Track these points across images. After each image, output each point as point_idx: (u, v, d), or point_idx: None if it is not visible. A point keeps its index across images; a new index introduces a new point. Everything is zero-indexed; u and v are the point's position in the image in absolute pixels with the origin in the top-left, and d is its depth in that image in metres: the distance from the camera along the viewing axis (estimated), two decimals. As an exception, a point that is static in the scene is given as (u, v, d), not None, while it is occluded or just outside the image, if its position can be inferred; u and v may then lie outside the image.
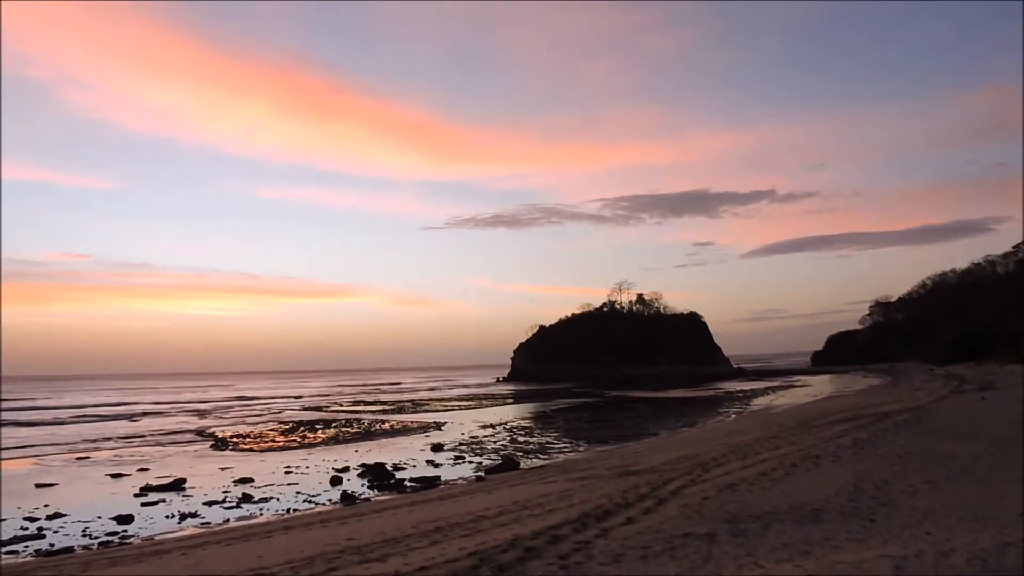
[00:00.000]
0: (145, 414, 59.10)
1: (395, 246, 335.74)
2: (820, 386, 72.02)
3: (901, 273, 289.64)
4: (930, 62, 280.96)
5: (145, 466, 26.27)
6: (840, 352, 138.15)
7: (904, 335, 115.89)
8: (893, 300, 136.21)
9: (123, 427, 46.47)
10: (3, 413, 61.69)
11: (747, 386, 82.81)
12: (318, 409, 62.45)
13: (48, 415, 59.40)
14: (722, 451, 18.31)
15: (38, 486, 22.09)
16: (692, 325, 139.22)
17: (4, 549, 13.96)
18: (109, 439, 38.08)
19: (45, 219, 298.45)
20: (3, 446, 35.32)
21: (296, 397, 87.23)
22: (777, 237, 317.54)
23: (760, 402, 53.32)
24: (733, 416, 41.20)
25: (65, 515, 17.09)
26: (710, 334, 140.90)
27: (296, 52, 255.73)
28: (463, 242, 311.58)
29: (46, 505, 18.60)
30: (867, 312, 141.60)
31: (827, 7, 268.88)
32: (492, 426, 39.82)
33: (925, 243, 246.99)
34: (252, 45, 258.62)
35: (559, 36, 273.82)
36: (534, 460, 24.71)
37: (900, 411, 26.00)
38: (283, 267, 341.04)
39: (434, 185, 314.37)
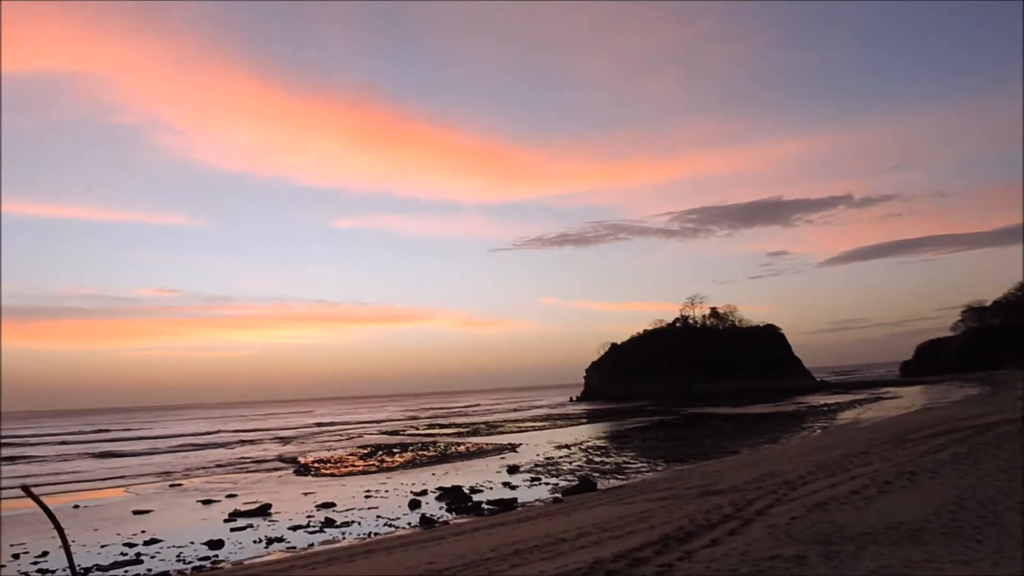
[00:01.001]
0: (232, 442, 61.27)
1: (465, 269, 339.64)
2: (911, 398, 68.47)
3: (994, 275, 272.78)
4: (1011, 54, 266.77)
5: (233, 492, 27.16)
6: (932, 361, 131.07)
7: (1002, 341, 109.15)
8: (988, 304, 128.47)
9: (212, 455, 48.28)
10: (107, 444, 65.14)
11: (831, 399, 79.48)
12: (395, 433, 63.39)
13: (143, 445, 62.32)
14: (809, 468, 17.58)
15: (135, 513, 23.16)
16: (770, 337, 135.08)
17: (107, 574, 14.65)
18: (200, 467, 39.64)
19: (139, 257, 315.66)
20: (105, 475, 37.25)
21: (373, 422, 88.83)
22: (856, 243, 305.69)
23: (847, 416, 51.07)
24: (818, 431, 39.58)
25: (160, 540, 17.83)
26: (789, 346, 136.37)
27: (364, 85, 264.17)
28: (531, 262, 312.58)
29: (143, 531, 19.46)
30: (959, 318, 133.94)
31: (894, 6, 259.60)
32: (567, 446, 39.49)
33: (1018, 242, 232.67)
34: (323, 81, 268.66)
35: (619, 52, 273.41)
36: (611, 481, 24.32)
37: (1002, 423, 24.40)
38: (358, 294, 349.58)
39: (501, 207, 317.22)
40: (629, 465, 29.07)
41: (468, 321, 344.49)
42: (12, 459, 50.03)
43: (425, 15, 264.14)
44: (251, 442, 60.05)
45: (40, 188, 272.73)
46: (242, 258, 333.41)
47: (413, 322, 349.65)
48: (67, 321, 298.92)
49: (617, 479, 24.69)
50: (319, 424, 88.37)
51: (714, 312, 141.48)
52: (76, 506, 25.60)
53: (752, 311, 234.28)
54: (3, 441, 73.09)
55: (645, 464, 29.24)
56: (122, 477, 36.05)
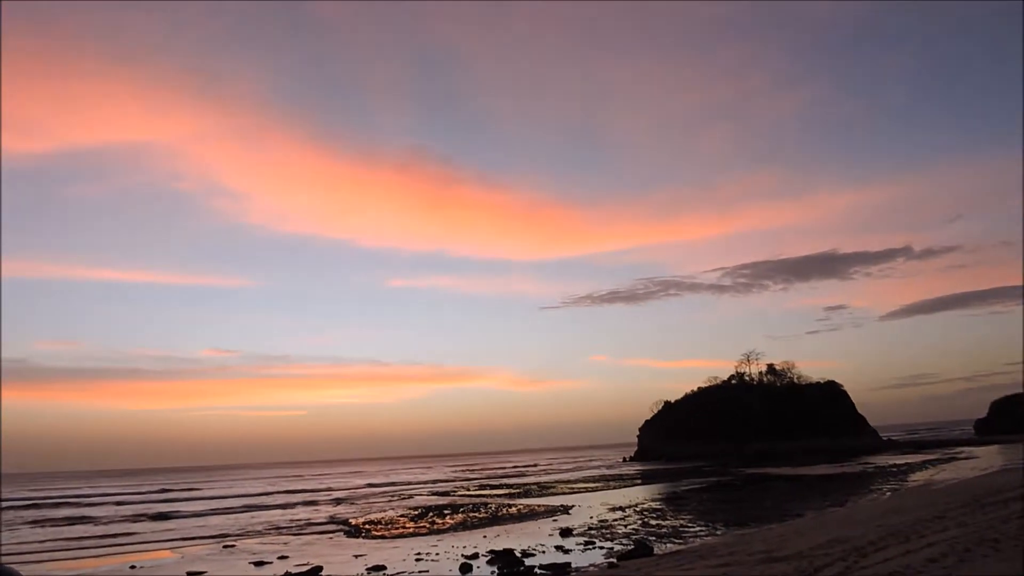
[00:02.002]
0: (285, 504, 61.43)
1: (515, 327, 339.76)
2: (989, 458, 64.71)
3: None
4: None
5: (285, 554, 27.05)
6: (1010, 419, 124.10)
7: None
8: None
9: (265, 516, 48.43)
10: (164, 504, 66.10)
11: (900, 459, 75.66)
12: (446, 494, 62.65)
13: (199, 505, 62.99)
14: (879, 534, 16.60)
15: (190, 574, 23.22)
16: (831, 395, 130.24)
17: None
18: (253, 528, 39.73)
19: (200, 319, 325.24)
20: (161, 537, 37.65)
21: (424, 482, 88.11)
22: (918, 296, 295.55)
23: (918, 477, 48.44)
24: (888, 493, 37.57)
25: (212, 603, 17.76)
26: (852, 404, 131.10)
27: (414, 148, 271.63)
28: (581, 320, 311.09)
29: (196, 593, 19.42)
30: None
31: (947, 53, 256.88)
32: (622, 509, 38.32)
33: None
34: (374, 145, 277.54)
35: (666, 108, 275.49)
36: (668, 545, 23.39)
37: (1091, 484, 22.76)
38: (410, 353, 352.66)
39: (550, 265, 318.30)
40: (687, 529, 27.98)
41: (519, 380, 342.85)
42: (70, 520, 51.09)
43: (470, 78, 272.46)
44: (304, 503, 60.09)
45: (110, 253, 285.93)
46: (298, 318, 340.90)
47: (464, 381, 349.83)
48: (133, 382, 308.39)
49: (675, 544, 23.75)
50: (371, 484, 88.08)
51: (771, 368, 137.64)
52: (132, 567, 25.84)
53: (811, 367, 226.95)
54: (64, 501, 74.89)
55: (704, 528, 28.11)
56: (178, 539, 36.36)
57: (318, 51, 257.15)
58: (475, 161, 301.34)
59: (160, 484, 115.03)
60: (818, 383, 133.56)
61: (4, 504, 69.44)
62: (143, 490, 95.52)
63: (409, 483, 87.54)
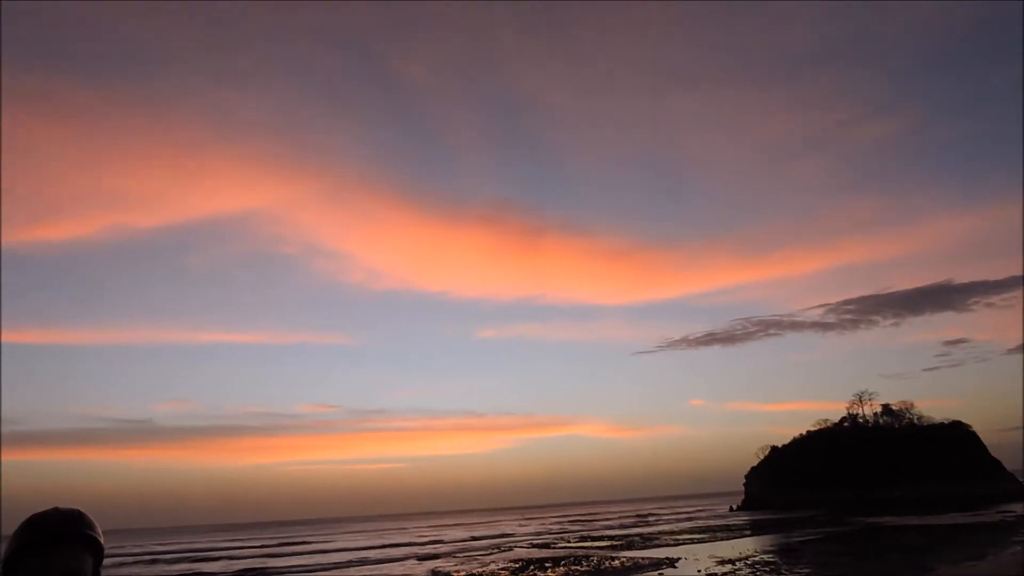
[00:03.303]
0: (391, 558, 61.86)
1: (608, 374, 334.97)
2: None
3: None
4: None
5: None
6: None
7: None
8: None
9: (373, 570, 48.85)
10: (278, 559, 68.00)
11: (1043, 507, 68.77)
12: (545, 546, 61.42)
13: (308, 559, 64.33)
14: (1029, 591, 14.95)
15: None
16: (957, 436, 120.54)
17: None
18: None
19: (301, 375, 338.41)
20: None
21: (523, 534, 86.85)
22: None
23: (1066, 526, 43.77)
24: (1033, 545, 34.06)
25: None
26: (983, 446, 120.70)
27: (500, 200, 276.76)
28: (677, 363, 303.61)
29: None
30: None
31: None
32: (731, 562, 36.37)
33: None
34: (461, 198, 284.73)
35: (752, 141, 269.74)
36: (786, 602, 21.91)
37: None
38: (502, 404, 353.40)
39: (642, 308, 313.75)
40: (805, 584, 26.18)
41: (614, 427, 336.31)
42: None
43: (550, 125, 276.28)
44: (409, 557, 60.27)
45: (220, 317, 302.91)
46: (393, 372, 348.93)
47: (558, 430, 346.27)
48: (240, 439, 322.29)
49: (792, 601, 22.22)
50: (473, 537, 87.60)
51: (887, 409, 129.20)
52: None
53: (932, 407, 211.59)
54: (182, 556, 78.24)
55: (823, 583, 26.24)
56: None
57: (403, 111, 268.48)
58: (559, 207, 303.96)
59: (268, 538, 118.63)
60: (941, 424, 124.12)
61: (130, 559, 73.30)
62: (252, 544, 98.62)
63: (508, 535, 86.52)
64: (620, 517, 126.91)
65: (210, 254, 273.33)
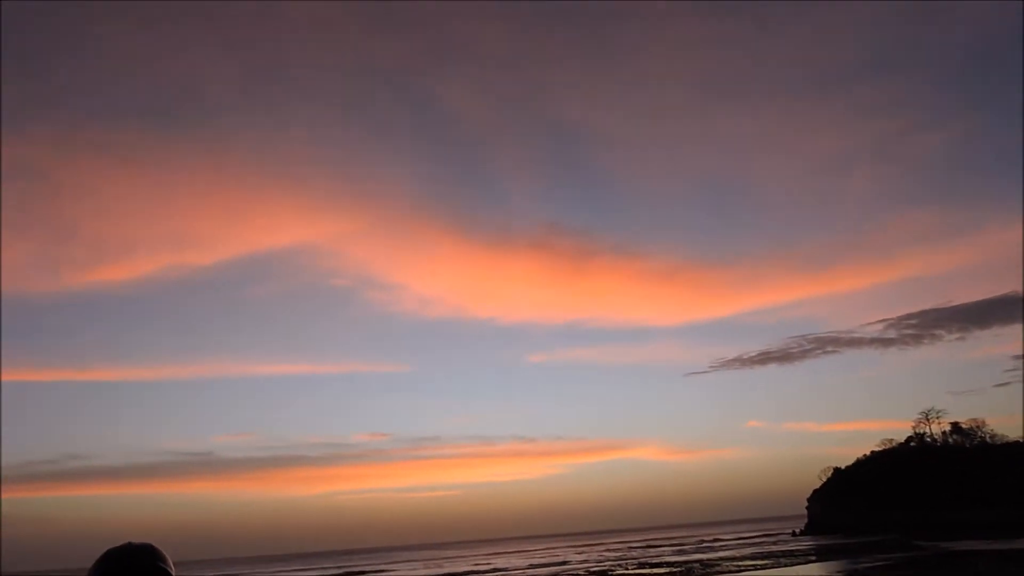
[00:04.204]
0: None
1: (661, 395, 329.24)
2: None
3: None
4: None
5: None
6: None
7: None
8: None
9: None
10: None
11: None
12: (604, 574, 60.53)
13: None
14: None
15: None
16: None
17: None
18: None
19: (355, 404, 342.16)
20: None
21: (581, 561, 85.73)
22: None
23: None
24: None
25: None
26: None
27: (549, 224, 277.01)
28: (732, 384, 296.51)
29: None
30: None
31: None
32: (795, 589, 35.25)
33: None
34: (510, 224, 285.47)
35: (803, 155, 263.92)
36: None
37: None
38: (554, 428, 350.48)
39: (694, 328, 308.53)
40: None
41: (669, 450, 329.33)
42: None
43: (597, 147, 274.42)
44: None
45: (276, 348, 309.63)
46: (445, 399, 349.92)
47: (611, 454, 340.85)
48: (297, 469, 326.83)
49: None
50: (531, 565, 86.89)
51: (956, 428, 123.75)
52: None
53: (1006, 424, 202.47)
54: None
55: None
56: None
57: (450, 140, 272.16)
58: (609, 229, 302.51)
59: (330, 567, 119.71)
60: (1017, 442, 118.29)
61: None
62: (314, 574, 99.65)
63: (565, 563, 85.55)
64: (678, 543, 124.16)
65: (266, 288, 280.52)
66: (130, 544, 2.20)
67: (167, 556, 2.25)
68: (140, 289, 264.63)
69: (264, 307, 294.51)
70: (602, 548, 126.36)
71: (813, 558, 61.23)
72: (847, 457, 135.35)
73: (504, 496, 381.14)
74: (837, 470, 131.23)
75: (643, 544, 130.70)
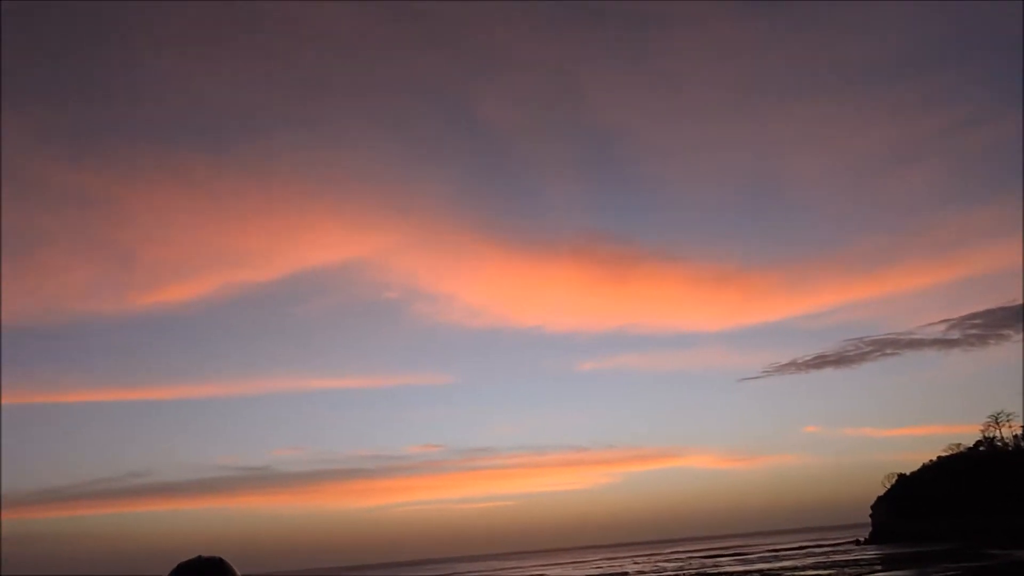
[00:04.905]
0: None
1: (713, 402, 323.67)
2: None
3: None
4: None
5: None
6: None
7: None
8: None
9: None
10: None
11: None
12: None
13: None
14: None
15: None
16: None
17: None
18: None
19: (407, 417, 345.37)
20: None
21: (642, 571, 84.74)
22: None
23: None
24: None
25: None
26: None
27: (591, 231, 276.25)
28: (786, 389, 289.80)
29: None
30: None
31: None
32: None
33: None
34: (553, 232, 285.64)
35: (852, 152, 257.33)
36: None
37: None
38: (605, 437, 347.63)
39: (744, 332, 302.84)
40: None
41: (722, 458, 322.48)
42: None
43: (638, 152, 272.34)
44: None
45: (328, 363, 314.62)
46: (496, 409, 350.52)
47: (663, 462, 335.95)
48: (352, 482, 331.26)
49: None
50: None
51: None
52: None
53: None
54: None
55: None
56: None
57: (490, 151, 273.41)
58: (652, 235, 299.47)
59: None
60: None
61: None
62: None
63: (625, 574, 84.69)
64: (738, 552, 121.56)
65: (317, 304, 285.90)
66: (200, 557, 2.32)
67: (235, 569, 2.35)
68: (197, 309, 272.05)
69: (316, 322, 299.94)
70: (659, 558, 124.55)
71: (879, 568, 59.32)
72: (910, 463, 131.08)
73: (557, 506, 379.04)
74: (902, 476, 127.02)
75: (702, 553, 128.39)
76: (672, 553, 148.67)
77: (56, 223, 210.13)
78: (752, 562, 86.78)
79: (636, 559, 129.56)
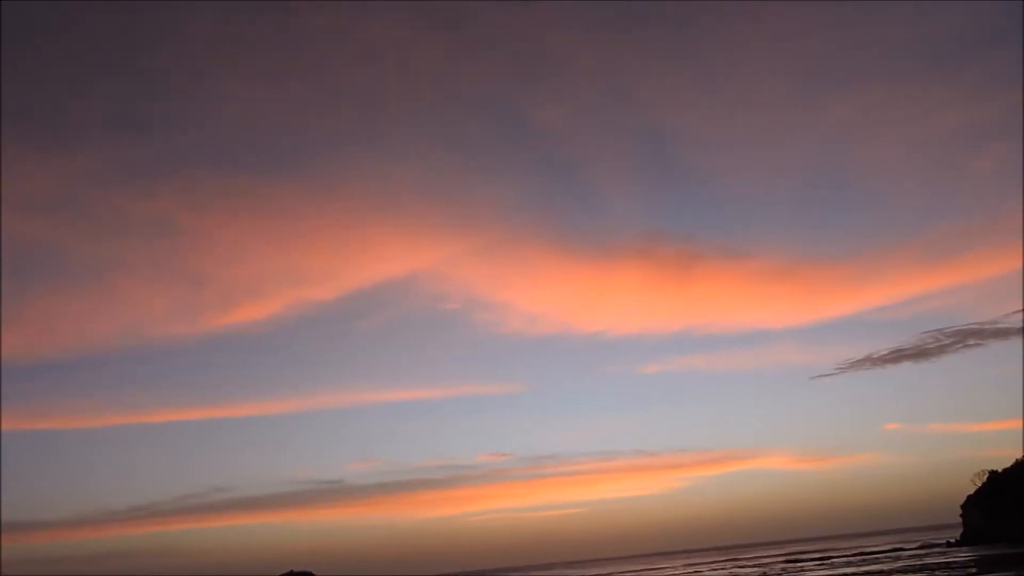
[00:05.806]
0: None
1: (785, 401, 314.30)
2: None
3: None
4: None
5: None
6: None
7: None
8: None
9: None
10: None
11: None
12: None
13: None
14: None
15: None
16: None
17: None
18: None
19: (475, 426, 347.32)
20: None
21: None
22: None
23: None
24: None
25: None
26: None
27: (650, 232, 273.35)
28: (863, 385, 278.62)
29: None
30: None
31: None
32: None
33: None
34: (612, 235, 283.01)
35: (923, 140, 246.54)
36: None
37: None
38: (674, 440, 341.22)
39: (814, 329, 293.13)
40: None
41: (797, 459, 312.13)
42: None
43: (694, 149, 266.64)
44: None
45: (393, 375, 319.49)
46: (562, 416, 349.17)
47: (737, 465, 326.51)
48: (422, 492, 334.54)
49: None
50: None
51: None
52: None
53: None
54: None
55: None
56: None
57: (545, 157, 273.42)
58: (714, 232, 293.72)
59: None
60: None
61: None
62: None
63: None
64: (823, 556, 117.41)
65: (380, 317, 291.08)
66: (292, 572, 2.23)
67: None
68: (267, 328, 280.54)
69: (380, 335, 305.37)
70: (737, 563, 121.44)
71: (975, 571, 56.32)
72: (1002, 458, 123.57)
73: (628, 512, 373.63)
74: (994, 473, 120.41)
75: (786, 557, 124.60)
76: (750, 557, 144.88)
77: (130, 252, 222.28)
78: (837, 566, 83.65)
79: (713, 565, 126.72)
